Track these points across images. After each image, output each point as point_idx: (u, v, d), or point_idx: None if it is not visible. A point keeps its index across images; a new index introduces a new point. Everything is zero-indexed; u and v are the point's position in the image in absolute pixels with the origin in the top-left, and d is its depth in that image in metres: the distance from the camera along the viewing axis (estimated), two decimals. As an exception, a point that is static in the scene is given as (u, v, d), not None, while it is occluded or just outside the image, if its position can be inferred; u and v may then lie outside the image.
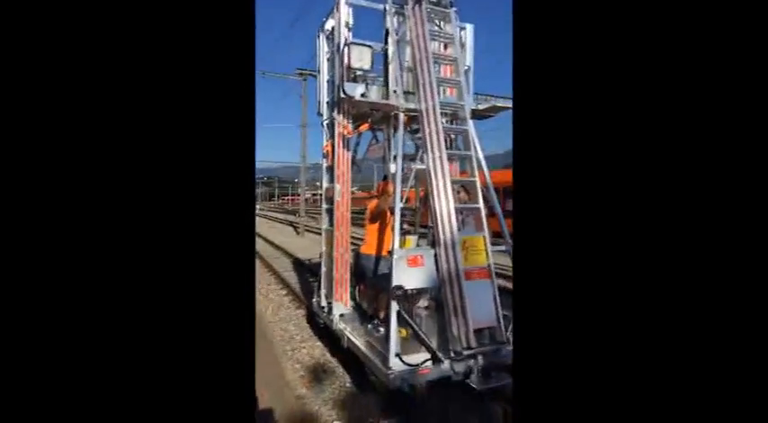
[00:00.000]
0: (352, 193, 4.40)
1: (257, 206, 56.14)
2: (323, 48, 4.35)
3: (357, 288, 4.42)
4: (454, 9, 3.87)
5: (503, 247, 3.52)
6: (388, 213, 3.38)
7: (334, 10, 4.01)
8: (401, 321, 3.09)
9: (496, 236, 3.42)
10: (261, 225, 23.65)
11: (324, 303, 4.44)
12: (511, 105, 4.10)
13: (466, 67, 4.22)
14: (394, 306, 3.06)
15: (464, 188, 3.64)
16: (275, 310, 6.35)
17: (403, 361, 3.00)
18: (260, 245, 13.91)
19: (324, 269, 4.44)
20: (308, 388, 3.78)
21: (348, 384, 3.82)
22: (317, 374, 4.04)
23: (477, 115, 3.99)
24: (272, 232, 19.39)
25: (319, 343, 4.82)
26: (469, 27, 4.33)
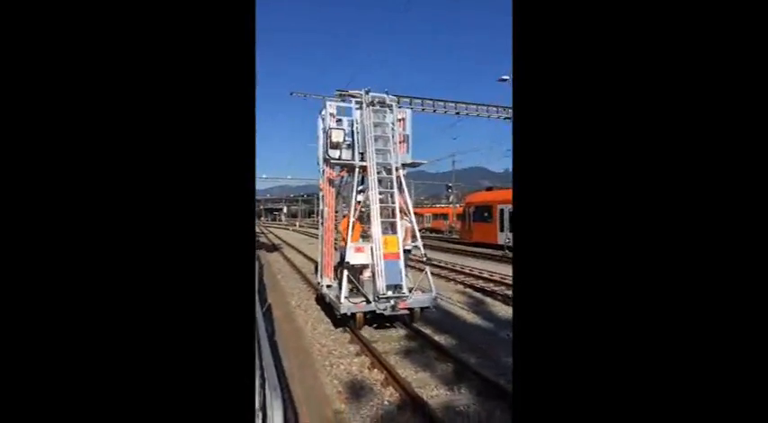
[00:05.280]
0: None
1: (296, 223, 60.05)
2: (320, 125, 7.28)
3: (338, 268, 7.21)
4: (395, 105, 6.71)
5: (416, 243, 6.32)
6: (355, 224, 6.23)
7: (324, 105, 6.97)
8: (350, 281, 5.90)
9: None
10: (300, 242, 24.59)
11: (319, 279, 7.27)
12: (424, 161, 6.84)
13: (407, 135, 7.04)
14: (345, 273, 5.88)
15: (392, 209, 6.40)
16: (314, 324, 6.70)
17: (349, 300, 5.77)
18: (299, 260, 15.40)
19: (319, 258, 7.30)
20: (346, 404, 3.80)
21: (387, 402, 3.82)
22: (355, 391, 4.09)
23: (407, 165, 6.74)
24: (311, 248, 19.03)
25: (357, 359, 4.96)
26: (408, 111, 7.19)
